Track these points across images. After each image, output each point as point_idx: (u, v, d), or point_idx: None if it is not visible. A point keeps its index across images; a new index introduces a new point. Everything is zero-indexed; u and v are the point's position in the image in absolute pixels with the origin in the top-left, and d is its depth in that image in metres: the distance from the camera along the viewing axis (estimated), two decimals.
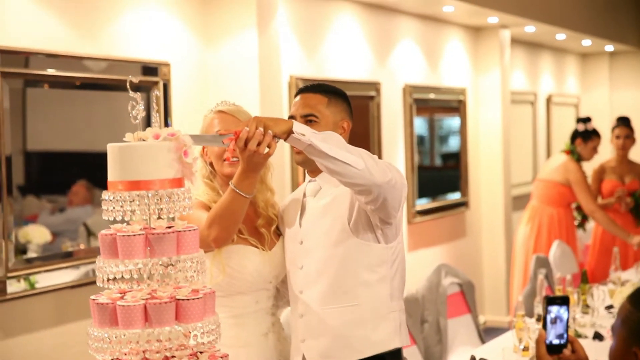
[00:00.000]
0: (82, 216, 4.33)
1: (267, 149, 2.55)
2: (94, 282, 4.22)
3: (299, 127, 2.56)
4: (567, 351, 1.93)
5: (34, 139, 4.09)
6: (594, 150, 7.07)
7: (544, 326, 1.93)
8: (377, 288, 2.86)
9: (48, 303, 4.15)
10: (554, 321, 1.93)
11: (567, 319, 1.96)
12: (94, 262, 4.22)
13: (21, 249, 3.99)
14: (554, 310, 1.93)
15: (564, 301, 1.96)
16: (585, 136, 7.04)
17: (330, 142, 2.58)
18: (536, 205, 7.09)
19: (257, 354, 2.91)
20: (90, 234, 4.35)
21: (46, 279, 4.09)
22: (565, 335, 1.94)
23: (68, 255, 4.22)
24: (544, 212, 7.01)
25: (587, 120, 7.15)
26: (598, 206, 6.87)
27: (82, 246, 4.30)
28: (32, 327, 4.07)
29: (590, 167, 7.66)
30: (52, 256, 4.14)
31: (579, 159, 6.99)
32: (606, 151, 10.99)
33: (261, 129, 2.52)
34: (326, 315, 2.86)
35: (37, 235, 4.09)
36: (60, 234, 4.20)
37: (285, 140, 2.57)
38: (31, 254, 4.04)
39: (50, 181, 4.22)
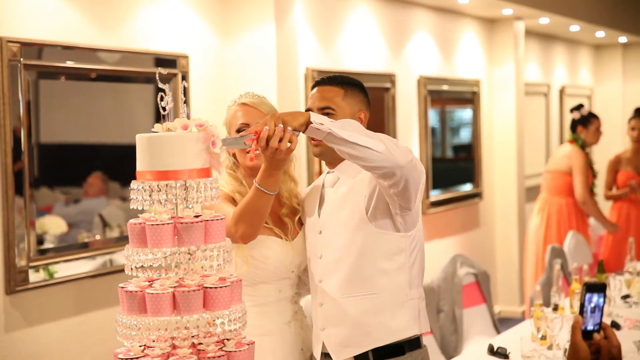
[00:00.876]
0: (97, 207, 4.37)
1: (288, 144, 2.57)
2: (110, 273, 4.31)
3: (316, 117, 2.57)
4: (598, 335, 1.94)
5: (48, 131, 4.12)
6: (597, 131, 7.07)
7: (581, 312, 1.93)
8: (395, 276, 2.88)
9: (67, 292, 4.20)
10: (593, 310, 1.93)
11: (603, 306, 1.95)
12: (110, 253, 4.31)
13: (39, 240, 4.04)
14: (594, 299, 1.93)
15: (602, 288, 1.95)
16: (583, 122, 7.07)
17: (349, 129, 2.58)
18: (545, 196, 7.12)
19: (280, 342, 2.95)
20: (105, 225, 4.39)
21: (64, 269, 4.14)
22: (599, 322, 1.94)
23: (84, 246, 4.26)
24: (553, 202, 7.04)
25: (580, 107, 7.21)
26: (591, 196, 6.89)
27: (97, 237, 4.34)
28: (52, 316, 4.12)
29: (604, 156, 7.68)
30: (69, 247, 4.18)
31: (583, 145, 7.01)
32: (617, 141, 11.01)
33: (280, 125, 2.53)
34: (345, 303, 2.88)
35: (53, 225, 4.13)
36: (75, 225, 4.24)
37: (304, 132, 2.58)
38: (48, 245, 4.09)
39: (64, 173, 4.25)
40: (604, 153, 8.38)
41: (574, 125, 7.10)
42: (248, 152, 2.89)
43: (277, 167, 2.63)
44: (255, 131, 2.53)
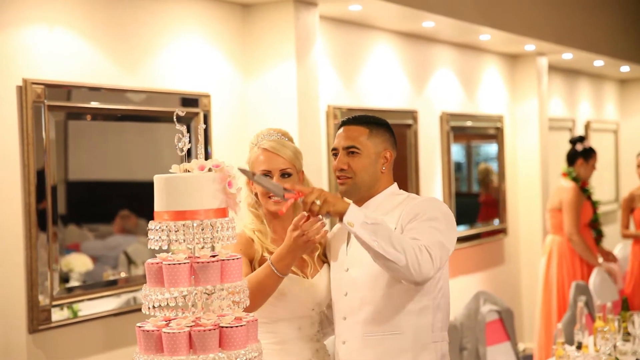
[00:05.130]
0: (122, 244, 4.40)
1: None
2: (135, 310, 4.32)
3: (350, 215, 2.64)
4: None
5: (77, 169, 4.18)
6: (594, 167, 6.96)
7: None
8: (419, 318, 2.89)
9: (91, 331, 4.21)
10: None
11: None
12: (135, 291, 4.33)
13: (64, 278, 4.07)
14: None
15: None
16: (586, 155, 6.94)
17: (378, 235, 2.65)
18: (550, 236, 6.99)
19: None
20: (130, 262, 4.41)
21: (89, 307, 4.16)
22: None
23: (110, 284, 4.28)
24: (554, 241, 6.89)
25: (583, 138, 7.07)
26: (578, 232, 6.66)
27: (123, 274, 4.36)
28: (76, 355, 4.13)
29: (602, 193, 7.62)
30: (94, 285, 4.21)
31: (575, 179, 6.86)
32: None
33: (318, 202, 2.61)
34: (368, 342, 2.89)
35: (79, 263, 4.16)
36: (101, 262, 4.27)
37: (339, 221, 2.68)
38: (73, 283, 4.11)
39: (91, 210, 4.29)
40: (589, 179, 8.30)
41: (575, 157, 6.97)
42: (274, 201, 2.95)
43: (295, 250, 2.75)
44: (298, 191, 2.61)
